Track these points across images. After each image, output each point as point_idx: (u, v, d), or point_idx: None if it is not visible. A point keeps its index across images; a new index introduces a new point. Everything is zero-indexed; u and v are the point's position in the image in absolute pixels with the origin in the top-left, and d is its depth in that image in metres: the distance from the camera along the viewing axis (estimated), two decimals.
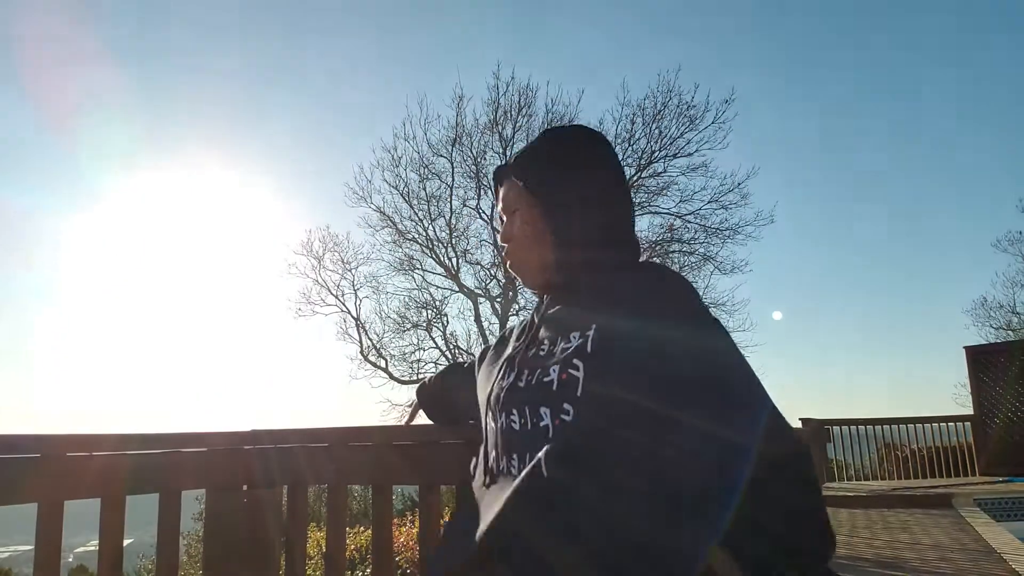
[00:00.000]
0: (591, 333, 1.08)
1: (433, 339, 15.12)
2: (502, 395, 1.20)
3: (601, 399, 1.03)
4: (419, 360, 14.99)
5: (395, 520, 5.97)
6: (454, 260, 15.03)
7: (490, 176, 14.17)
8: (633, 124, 13.91)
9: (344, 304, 15.17)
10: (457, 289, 15.13)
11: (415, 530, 6.55)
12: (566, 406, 1.05)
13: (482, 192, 14.85)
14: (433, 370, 14.84)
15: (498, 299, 14.88)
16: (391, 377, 14.85)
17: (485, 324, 14.95)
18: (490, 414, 1.23)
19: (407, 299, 15.30)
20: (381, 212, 15.01)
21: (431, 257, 15.08)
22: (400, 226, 15.03)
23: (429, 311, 15.23)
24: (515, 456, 1.12)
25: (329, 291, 15.19)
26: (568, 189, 1.22)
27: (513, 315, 14.86)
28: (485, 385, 1.32)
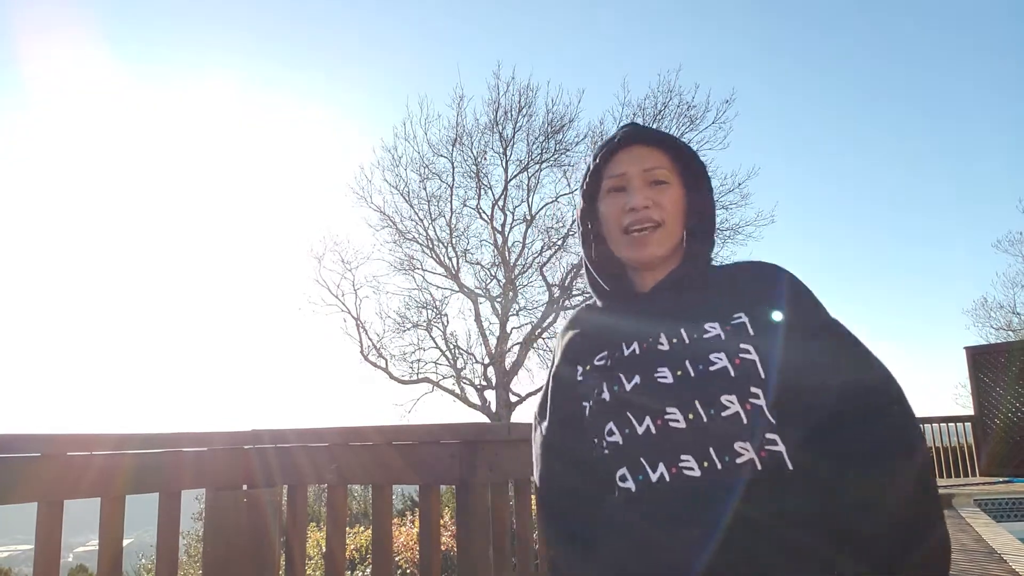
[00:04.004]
0: (742, 319, 1.09)
1: (433, 339, 15.12)
2: (640, 396, 1.09)
3: (789, 377, 1.04)
4: (419, 360, 15.00)
5: (395, 520, 5.97)
6: (454, 260, 15.04)
7: (490, 174, 14.07)
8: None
9: (344, 304, 15.17)
10: (457, 289, 15.13)
11: (415, 530, 6.55)
12: (754, 390, 1.03)
13: (482, 192, 14.87)
14: (433, 370, 14.84)
15: (498, 299, 14.88)
16: (391, 377, 14.85)
17: (485, 324, 14.95)
18: (611, 423, 1.10)
19: (407, 299, 15.32)
20: (381, 212, 15.02)
21: (431, 257, 15.09)
22: (400, 226, 15.04)
23: (429, 311, 15.24)
24: (690, 456, 1.02)
25: (329, 291, 15.19)
26: (709, 188, 1.23)
27: (513, 315, 14.88)
28: (588, 396, 1.17)
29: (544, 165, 14.74)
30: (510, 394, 14.43)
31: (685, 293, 1.17)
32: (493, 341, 14.76)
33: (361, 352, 14.86)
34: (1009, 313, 20.47)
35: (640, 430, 1.07)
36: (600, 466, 1.13)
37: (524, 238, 15.00)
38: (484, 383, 14.83)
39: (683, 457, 1.02)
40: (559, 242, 14.87)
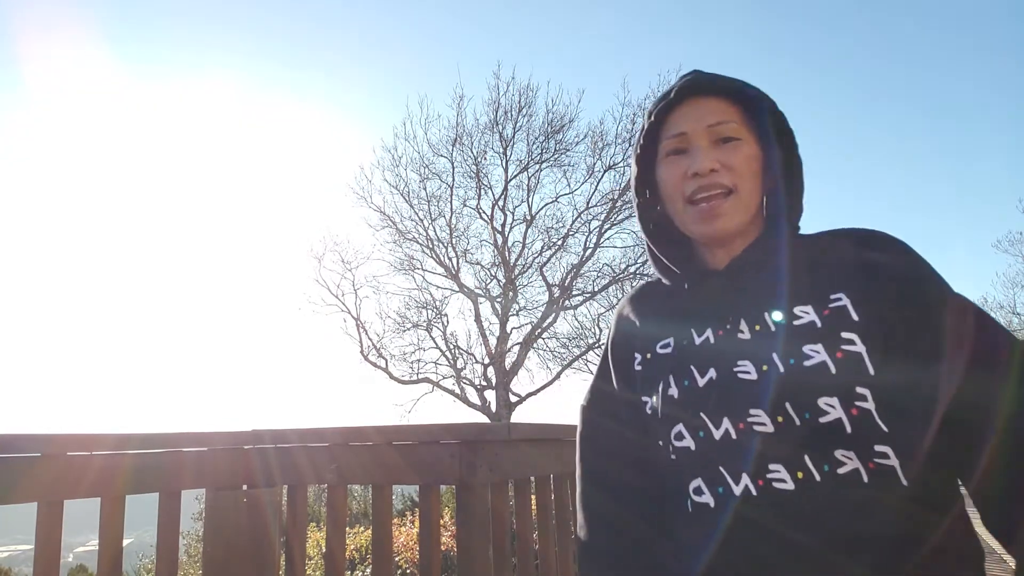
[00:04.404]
0: (843, 301, 0.90)
1: (433, 339, 15.11)
2: (717, 395, 0.93)
3: (904, 374, 0.86)
4: (419, 360, 14.99)
5: (395, 520, 5.97)
6: (454, 260, 15.03)
7: (490, 174, 14.08)
8: (633, 124, 13.91)
9: (344, 304, 15.16)
10: (457, 289, 15.12)
11: (415, 530, 6.55)
12: (860, 390, 0.85)
13: (482, 192, 14.86)
14: (433, 370, 14.84)
15: (498, 299, 14.87)
16: (391, 377, 14.84)
17: (485, 324, 14.95)
18: (681, 424, 0.95)
19: (407, 299, 15.31)
20: (381, 212, 15.02)
21: (431, 257, 15.08)
22: (400, 226, 15.04)
23: (429, 311, 15.23)
24: (780, 466, 0.86)
25: (329, 291, 15.18)
26: (794, 144, 1.02)
27: (513, 315, 14.87)
28: (650, 390, 1.03)
29: (544, 165, 14.74)
30: (510, 394, 14.42)
31: (769, 270, 0.97)
32: (493, 341, 14.76)
33: (361, 352, 14.85)
34: (1009, 313, 20.46)
35: (717, 434, 0.91)
36: (667, 473, 0.98)
37: (524, 238, 15.00)
38: (484, 383, 14.83)
39: (772, 467, 0.86)
40: (559, 242, 14.87)
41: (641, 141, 1.05)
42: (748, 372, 0.92)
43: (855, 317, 0.89)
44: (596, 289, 14.72)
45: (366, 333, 15.01)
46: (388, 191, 15.04)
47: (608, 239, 14.78)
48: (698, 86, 1.01)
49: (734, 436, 0.90)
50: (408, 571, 6.19)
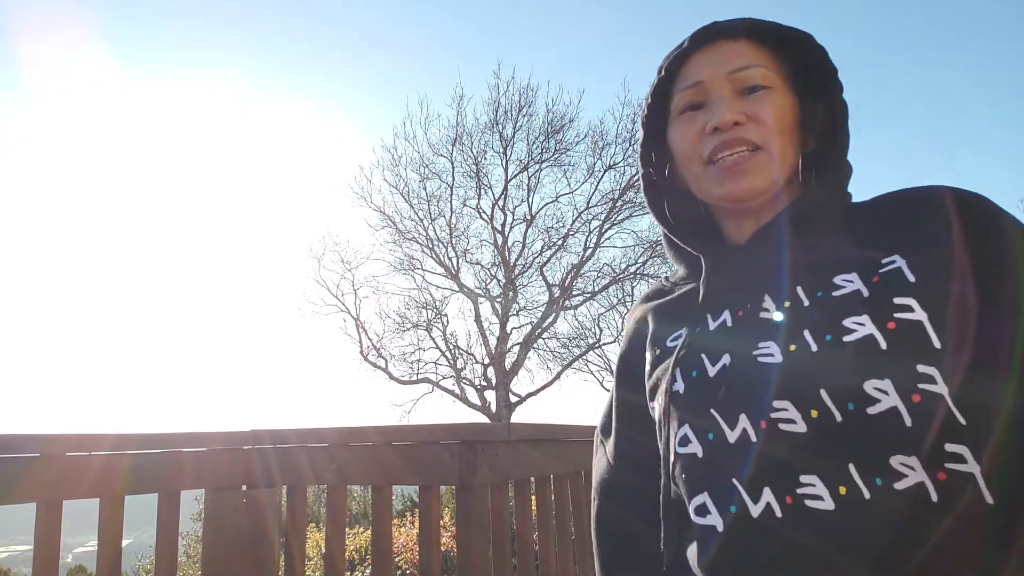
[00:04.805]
0: (896, 263, 0.70)
1: (433, 339, 15.11)
2: (730, 384, 0.74)
3: (983, 345, 0.66)
4: (419, 360, 14.99)
5: (395, 520, 5.96)
6: (454, 260, 15.03)
7: (490, 174, 14.04)
8: (634, 124, 13.91)
9: (344, 304, 15.17)
10: (457, 289, 15.12)
11: (415, 530, 6.55)
12: (923, 369, 0.64)
13: (482, 192, 14.86)
14: (433, 370, 14.84)
15: (498, 299, 14.87)
16: (391, 377, 14.85)
17: (485, 324, 14.94)
18: (686, 425, 0.76)
19: (407, 299, 15.31)
20: (381, 212, 15.02)
21: (431, 257, 15.08)
22: (400, 226, 15.04)
23: (429, 311, 15.22)
24: (815, 477, 0.65)
25: (329, 291, 15.18)
26: (837, 90, 0.83)
27: (513, 315, 14.86)
28: (657, 391, 0.84)
29: (544, 165, 14.74)
30: (510, 394, 14.42)
31: (805, 238, 0.78)
32: (493, 341, 14.76)
33: (361, 352, 14.85)
34: None
35: (732, 436, 0.71)
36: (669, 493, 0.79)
37: (524, 238, 15.00)
38: (484, 383, 14.83)
39: (804, 479, 0.65)
40: (559, 242, 14.87)
41: (649, 100, 0.88)
42: (771, 354, 0.72)
43: (911, 278, 0.69)
44: (596, 289, 14.72)
45: (366, 333, 15.01)
46: (388, 191, 15.05)
47: (608, 239, 14.79)
48: (718, 30, 0.83)
49: (753, 438, 0.69)
50: (408, 571, 6.19)
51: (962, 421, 0.63)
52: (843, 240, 0.76)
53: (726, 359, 0.76)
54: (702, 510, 0.72)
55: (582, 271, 14.79)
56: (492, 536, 1.77)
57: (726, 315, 0.80)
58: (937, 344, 0.65)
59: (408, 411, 14.85)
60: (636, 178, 13.82)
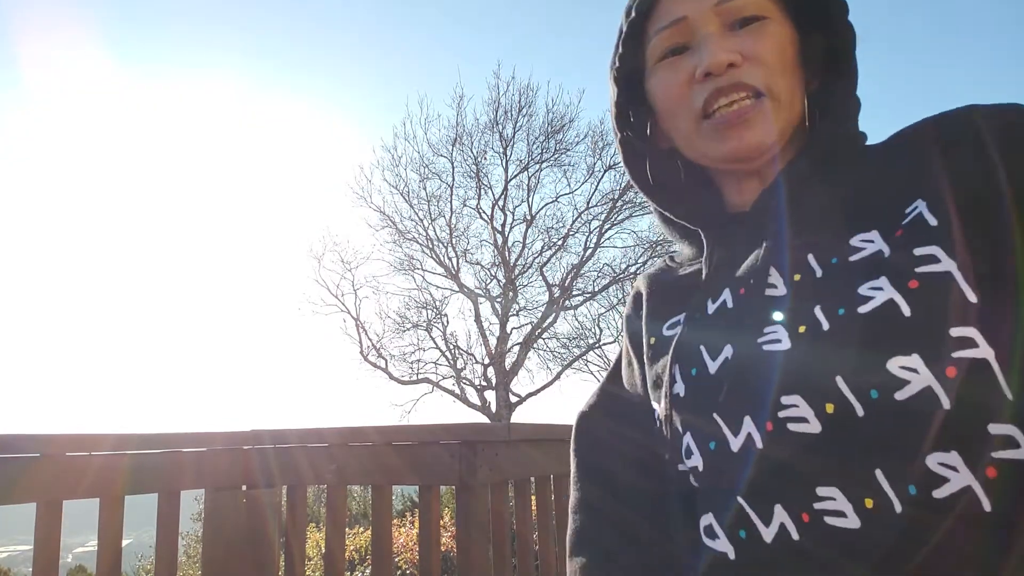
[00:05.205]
0: (918, 208, 0.57)
1: (433, 339, 15.11)
2: (732, 382, 0.63)
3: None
4: (419, 360, 14.99)
5: (395, 520, 5.97)
6: (454, 260, 15.03)
7: (490, 174, 13.98)
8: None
9: (344, 304, 15.17)
10: (457, 289, 15.12)
11: (415, 530, 6.55)
12: (957, 332, 0.51)
13: (482, 192, 14.87)
14: (433, 370, 14.85)
15: (498, 299, 14.88)
16: (391, 377, 14.85)
17: (485, 324, 14.95)
18: (688, 434, 0.66)
19: (407, 299, 15.32)
20: (381, 212, 15.03)
21: (431, 257, 15.08)
22: (400, 226, 15.05)
23: (429, 311, 15.23)
24: (835, 489, 0.54)
25: (329, 291, 15.19)
26: (842, 11, 0.68)
27: (513, 315, 14.87)
28: (657, 391, 0.72)
29: (544, 165, 14.74)
30: (510, 394, 14.42)
31: (816, 196, 0.65)
32: (493, 341, 14.76)
33: (361, 352, 14.85)
34: None
35: (735, 444, 0.60)
36: (675, 511, 0.69)
37: (524, 238, 15.00)
38: (484, 383, 14.83)
39: (821, 491, 0.54)
40: (559, 242, 14.87)
41: (620, 50, 0.73)
42: (777, 341, 0.60)
43: (932, 222, 0.56)
44: (596, 289, 14.73)
45: (366, 333, 15.01)
46: (388, 191, 15.06)
47: (608, 239, 14.80)
48: None
49: (759, 444, 0.58)
50: (408, 571, 6.19)
51: (1009, 396, 0.50)
52: (860, 193, 0.63)
53: (728, 351, 0.64)
54: (710, 532, 0.61)
55: (582, 271, 14.80)
56: (492, 536, 1.77)
57: (726, 295, 0.68)
58: (972, 298, 0.52)
59: (408, 411, 14.86)
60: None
